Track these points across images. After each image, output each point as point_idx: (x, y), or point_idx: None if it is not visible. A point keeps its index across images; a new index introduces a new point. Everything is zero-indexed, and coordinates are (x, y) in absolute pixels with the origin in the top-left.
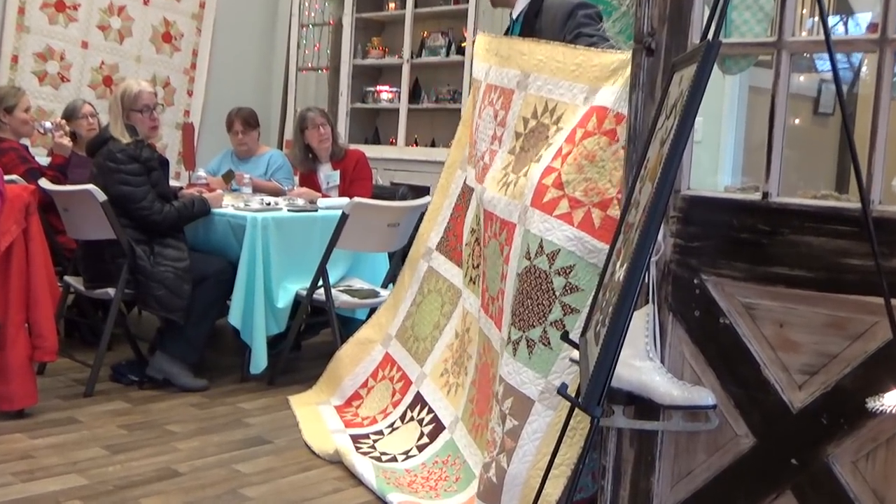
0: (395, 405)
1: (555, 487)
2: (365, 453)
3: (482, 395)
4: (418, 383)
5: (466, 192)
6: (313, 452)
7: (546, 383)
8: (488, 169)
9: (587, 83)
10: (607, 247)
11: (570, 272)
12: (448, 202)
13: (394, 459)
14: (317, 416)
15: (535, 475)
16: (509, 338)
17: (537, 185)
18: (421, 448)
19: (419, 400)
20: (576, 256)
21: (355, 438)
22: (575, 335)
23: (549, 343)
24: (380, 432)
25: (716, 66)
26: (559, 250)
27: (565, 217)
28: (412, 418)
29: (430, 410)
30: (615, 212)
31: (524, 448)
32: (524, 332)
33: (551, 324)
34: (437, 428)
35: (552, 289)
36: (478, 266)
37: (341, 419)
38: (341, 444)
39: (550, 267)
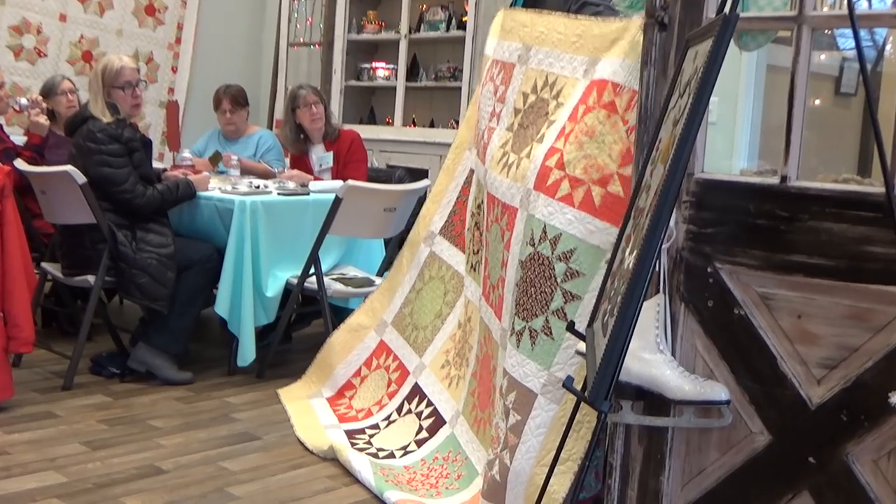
0: (390, 396)
1: (560, 484)
2: (361, 449)
3: (483, 388)
4: (416, 374)
5: (473, 174)
6: (306, 449)
7: (548, 375)
8: (487, 147)
9: (587, 55)
10: (608, 226)
11: (570, 256)
12: (454, 184)
13: (391, 456)
14: (309, 410)
15: (539, 472)
16: (512, 328)
17: (541, 168)
18: (420, 443)
19: (417, 392)
20: (577, 239)
21: (350, 434)
22: (580, 325)
23: (550, 333)
24: (375, 426)
25: (732, 42)
26: (560, 234)
27: (566, 199)
28: (409, 411)
29: (430, 403)
30: (616, 188)
31: (528, 444)
32: (527, 321)
33: (553, 312)
34: (438, 422)
35: (554, 275)
36: (478, 252)
37: (334, 413)
38: (336, 441)
39: (552, 252)
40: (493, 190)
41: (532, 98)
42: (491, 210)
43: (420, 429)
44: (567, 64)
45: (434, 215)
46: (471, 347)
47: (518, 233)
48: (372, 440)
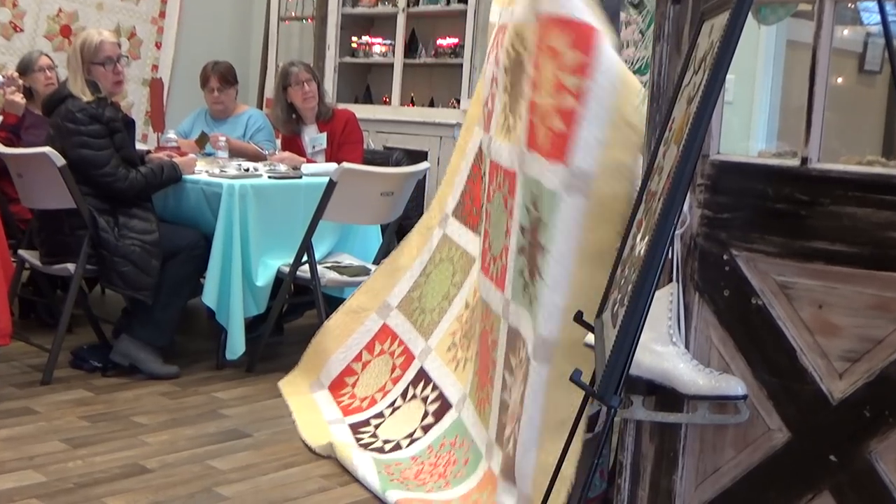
0: (394, 381)
1: (572, 467)
2: (366, 445)
3: (483, 365)
4: (422, 358)
5: (483, 150)
6: (307, 447)
7: (535, 337)
8: (492, 115)
9: None
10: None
11: (550, 212)
12: (465, 163)
13: (397, 447)
14: (312, 406)
15: (548, 439)
16: (524, 289)
17: (527, 123)
18: (426, 429)
19: (423, 376)
20: (549, 192)
21: (355, 428)
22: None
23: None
24: (380, 414)
25: (750, 16)
26: (544, 190)
27: (542, 150)
28: (415, 396)
29: (436, 387)
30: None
31: (529, 412)
32: (534, 286)
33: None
34: (444, 406)
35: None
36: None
37: (338, 405)
38: (340, 438)
39: (544, 210)
40: (497, 157)
41: (513, 54)
42: (493, 178)
43: (426, 414)
44: (527, 9)
45: (448, 197)
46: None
47: (518, 197)
48: (377, 431)
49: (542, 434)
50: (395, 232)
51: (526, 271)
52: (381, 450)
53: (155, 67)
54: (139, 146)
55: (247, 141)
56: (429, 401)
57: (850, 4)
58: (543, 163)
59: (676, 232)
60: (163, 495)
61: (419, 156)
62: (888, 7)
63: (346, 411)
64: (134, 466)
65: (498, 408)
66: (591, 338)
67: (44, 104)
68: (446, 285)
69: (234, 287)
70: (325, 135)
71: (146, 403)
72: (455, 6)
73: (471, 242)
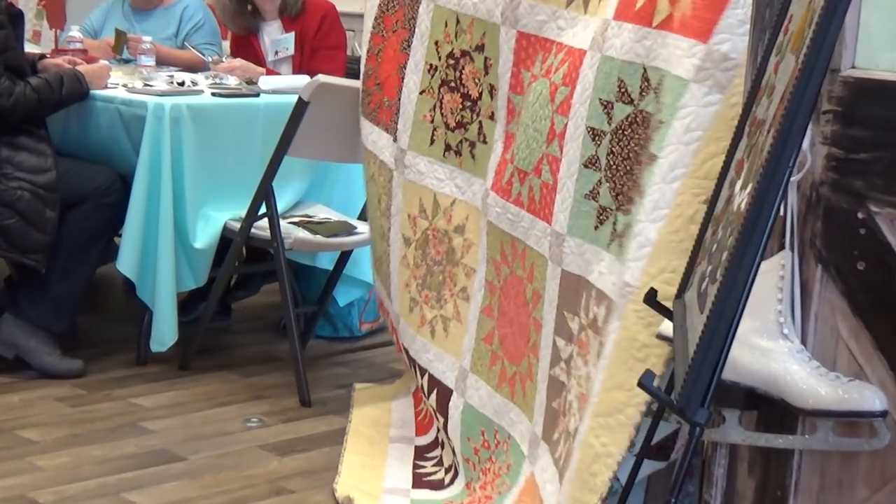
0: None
1: (613, 440)
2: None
3: (515, 328)
4: (403, 335)
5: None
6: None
7: (622, 285)
8: None
9: None
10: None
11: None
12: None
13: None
14: (377, 459)
15: (594, 425)
16: (613, 227)
17: None
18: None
19: (407, 359)
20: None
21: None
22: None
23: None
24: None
25: None
26: (664, 76)
27: (666, 24)
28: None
29: (423, 370)
30: None
31: (594, 383)
32: (626, 214)
33: None
34: (442, 394)
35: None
36: (467, 125)
37: (414, 471)
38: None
39: (659, 105)
40: (537, 29)
41: None
42: (531, 60)
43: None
44: None
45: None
46: (470, 271)
47: (586, 87)
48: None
49: (594, 420)
50: None
51: (608, 193)
52: (441, 483)
53: None
54: (29, 48)
55: (181, 44)
56: (424, 390)
57: None
58: (670, 38)
59: (792, 178)
60: None
61: None
62: None
63: (420, 482)
64: (20, 500)
65: (546, 389)
66: (667, 327)
67: None
68: (377, 218)
69: (163, 250)
70: (292, 35)
71: (38, 412)
72: None
73: (386, 148)
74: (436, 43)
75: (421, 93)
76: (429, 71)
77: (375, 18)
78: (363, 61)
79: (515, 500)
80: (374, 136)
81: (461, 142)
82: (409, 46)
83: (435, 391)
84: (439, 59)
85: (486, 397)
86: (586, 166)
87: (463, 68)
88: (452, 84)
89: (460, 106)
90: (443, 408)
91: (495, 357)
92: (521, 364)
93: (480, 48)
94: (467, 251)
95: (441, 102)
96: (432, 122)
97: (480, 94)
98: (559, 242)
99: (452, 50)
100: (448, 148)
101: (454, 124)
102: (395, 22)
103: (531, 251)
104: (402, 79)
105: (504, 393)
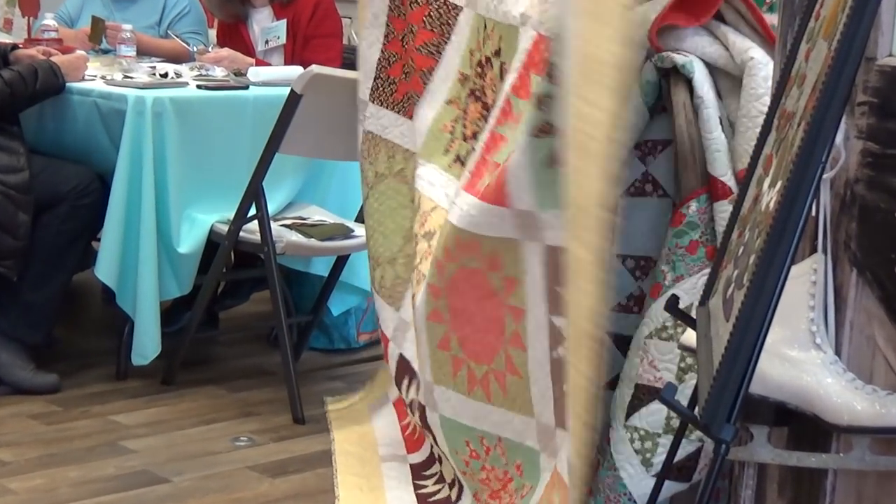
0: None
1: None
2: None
3: (476, 324)
4: (397, 341)
5: None
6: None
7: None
8: None
9: None
10: None
11: None
12: (374, 12)
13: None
14: (373, 479)
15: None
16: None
17: None
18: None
19: (406, 370)
20: None
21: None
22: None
23: None
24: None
25: None
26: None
27: None
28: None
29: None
30: None
31: None
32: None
33: None
34: (422, 410)
35: None
36: (475, 135)
37: (417, 493)
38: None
39: None
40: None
41: None
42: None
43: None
44: None
45: (359, 76)
46: (422, 278)
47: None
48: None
49: None
50: None
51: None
52: (449, 500)
53: None
54: (0, 37)
55: (164, 33)
56: (416, 406)
57: None
58: None
59: (824, 176)
60: None
61: None
62: None
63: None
64: None
65: (549, 374)
66: (690, 337)
67: None
68: (401, 218)
69: (144, 255)
70: (283, 23)
71: (10, 430)
72: None
73: (405, 134)
74: (470, 52)
75: (448, 102)
76: (460, 80)
77: (388, 14)
78: (380, 46)
79: (540, 498)
80: (402, 129)
81: (469, 151)
82: (437, 52)
83: (417, 406)
84: (471, 67)
85: (459, 406)
86: (537, 135)
87: (485, 76)
88: (478, 93)
89: (479, 116)
90: (426, 424)
91: (458, 361)
92: (493, 361)
93: (497, 53)
94: (426, 258)
95: (465, 112)
96: (451, 132)
97: (494, 101)
98: (531, 220)
99: (480, 58)
100: (456, 159)
101: (470, 135)
102: (419, 16)
103: (488, 239)
104: (425, 84)
105: (478, 397)
